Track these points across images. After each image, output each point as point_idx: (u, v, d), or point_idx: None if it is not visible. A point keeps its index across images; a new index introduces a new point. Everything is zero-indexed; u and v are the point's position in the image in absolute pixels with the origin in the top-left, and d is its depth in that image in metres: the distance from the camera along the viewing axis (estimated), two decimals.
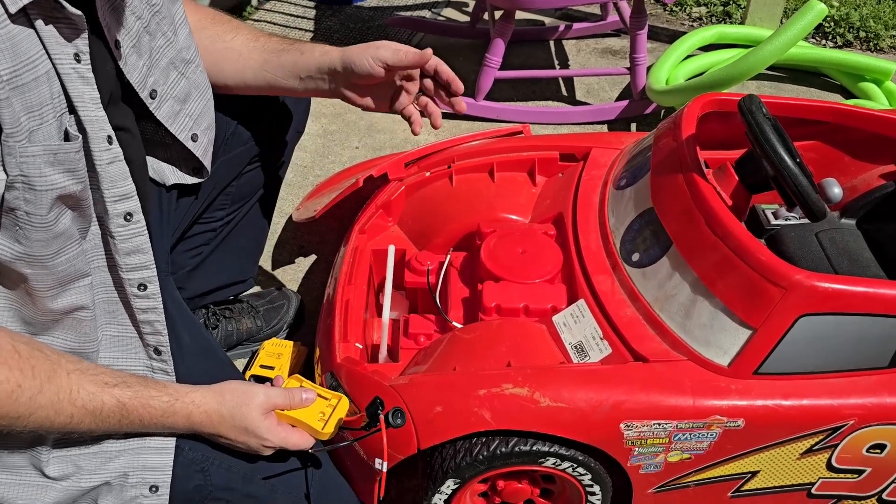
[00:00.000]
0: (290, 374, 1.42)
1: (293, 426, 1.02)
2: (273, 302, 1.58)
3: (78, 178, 0.84)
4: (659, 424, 1.05)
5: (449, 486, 1.11)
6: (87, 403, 0.87)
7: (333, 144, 2.14)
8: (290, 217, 1.85)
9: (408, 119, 1.24)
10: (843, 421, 1.05)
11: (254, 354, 1.49)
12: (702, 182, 1.16)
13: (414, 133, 1.24)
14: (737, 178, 1.21)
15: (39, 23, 0.77)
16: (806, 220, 1.44)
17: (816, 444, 1.08)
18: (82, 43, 0.83)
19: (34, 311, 0.90)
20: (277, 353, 1.46)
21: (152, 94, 1.02)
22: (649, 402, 1.05)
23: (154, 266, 0.97)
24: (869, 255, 1.40)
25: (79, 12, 0.80)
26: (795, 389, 1.06)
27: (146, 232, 0.95)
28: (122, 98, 0.98)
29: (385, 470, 1.04)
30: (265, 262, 1.73)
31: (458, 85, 1.21)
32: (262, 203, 1.42)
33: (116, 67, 0.95)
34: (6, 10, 0.73)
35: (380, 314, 1.36)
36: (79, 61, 0.82)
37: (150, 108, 1.03)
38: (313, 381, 1.15)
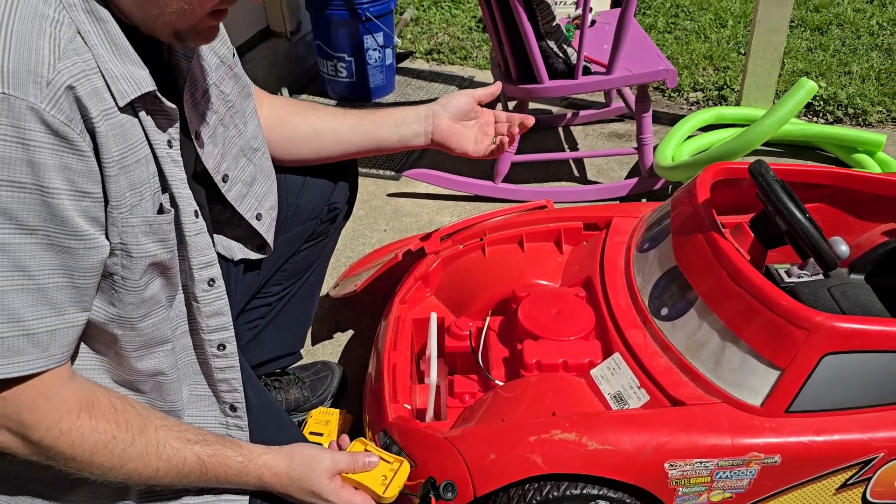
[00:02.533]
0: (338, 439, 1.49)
1: (356, 489, 1.08)
2: (318, 373, 1.66)
3: (168, 247, 0.95)
4: (700, 463, 1.12)
5: None
6: (171, 458, 0.95)
7: (363, 228, 2.27)
8: (327, 294, 1.95)
9: (493, 150, 1.38)
10: (873, 454, 1.12)
11: (302, 423, 1.56)
12: (721, 240, 1.27)
13: (502, 149, 1.37)
14: (752, 235, 1.32)
15: (142, 114, 0.89)
16: (818, 277, 1.56)
17: (850, 478, 1.14)
18: (174, 131, 0.95)
19: (123, 371, 0.99)
20: (325, 420, 1.53)
21: (224, 179, 1.14)
22: (690, 442, 1.12)
23: (232, 327, 1.07)
24: (880, 306, 1.49)
25: (174, 106, 0.93)
26: (826, 425, 1.13)
27: (226, 296, 1.05)
28: (197, 181, 1.10)
29: None
30: (306, 337, 1.82)
31: (529, 119, 1.38)
32: (312, 280, 1.52)
33: (195, 154, 1.07)
34: (116, 103, 0.85)
35: (422, 381, 1.44)
36: (171, 147, 0.95)
37: (223, 191, 1.15)
38: None
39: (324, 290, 1.99)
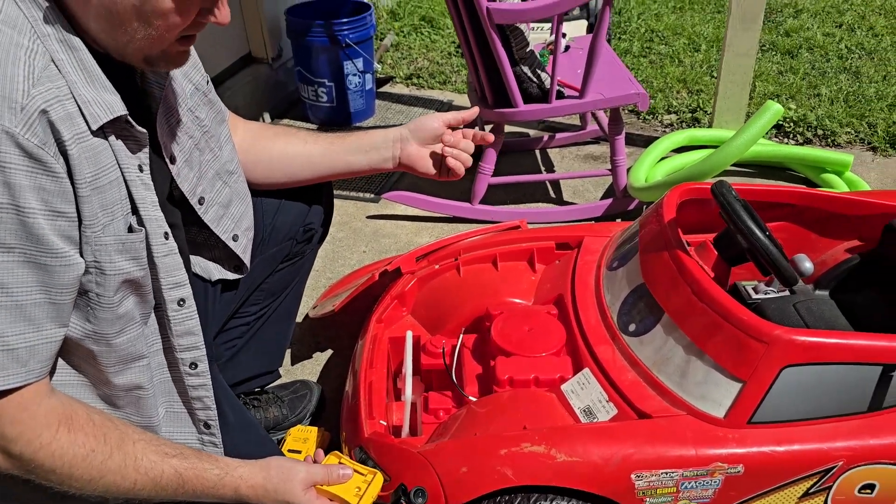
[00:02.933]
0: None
1: (331, 500, 1.11)
2: (296, 392, 1.68)
3: (140, 265, 0.98)
4: (666, 473, 1.15)
5: None
6: (149, 471, 0.97)
7: (343, 249, 2.30)
8: (307, 315, 1.98)
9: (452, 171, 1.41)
10: (833, 463, 1.15)
11: (281, 441, 1.58)
12: (686, 258, 1.31)
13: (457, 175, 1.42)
14: (716, 252, 1.37)
15: (112, 138, 0.93)
16: (784, 294, 1.60)
17: (811, 487, 1.17)
18: (144, 156, 0.98)
19: (101, 386, 1.01)
20: (304, 437, 1.55)
21: (200, 201, 1.18)
22: (655, 453, 1.16)
23: (204, 346, 1.09)
24: (844, 321, 1.54)
25: (143, 130, 0.96)
26: (787, 436, 1.17)
27: (196, 316, 1.08)
28: (173, 203, 1.13)
29: None
30: (285, 356, 1.84)
31: (489, 136, 1.44)
32: (289, 299, 1.55)
33: (171, 177, 1.10)
34: (89, 127, 0.88)
35: (398, 398, 1.47)
36: (141, 171, 0.98)
37: (199, 213, 1.18)
38: None
39: (303, 311, 2.02)
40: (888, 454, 1.15)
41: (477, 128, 2.62)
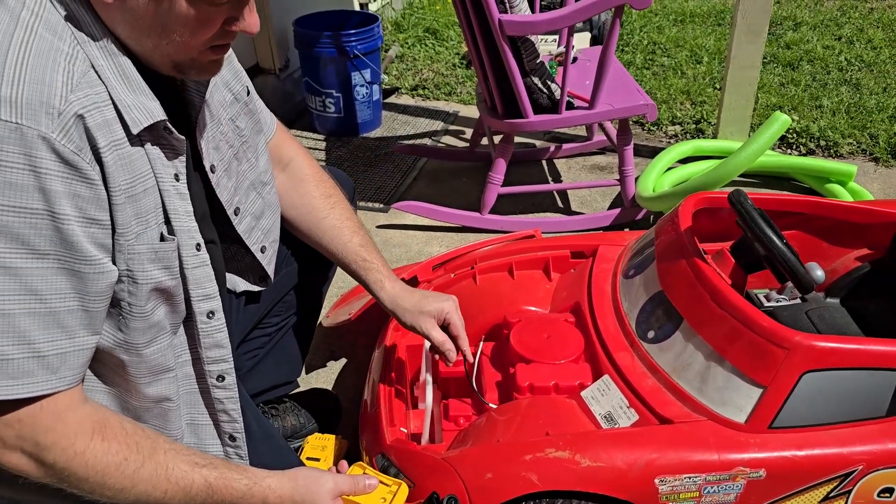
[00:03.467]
0: (335, 464, 1.52)
1: None
2: (313, 401, 1.69)
3: (173, 274, 0.98)
4: (689, 478, 1.16)
5: None
6: (179, 480, 0.97)
7: None
8: (320, 324, 1.99)
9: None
10: (852, 467, 1.17)
11: (299, 449, 1.58)
12: (703, 265, 1.33)
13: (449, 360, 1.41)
14: (733, 260, 1.38)
15: (149, 145, 0.93)
16: (796, 301, 1.62)
17: (832, 490, 1.19)
18: (181, 165, 0.99)
19: (130, 398, 1.01)
20: (322, 445, 1.56)
21: (236, 211, 1.18)
22: (679, 458, 1.17)
23: (231, 359, 1.10)
24: (855, 328, 1.56)
25: (182, 137, 0.97)
26: (807, 440, 1.18)
27: (225, 329, 1.09)
28: (210, 214, 1.13)
29: None
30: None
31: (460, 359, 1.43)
32: (308, 312, 1.56)
33: (207, 188, 1.11)
34: (127, 133, 0.89)
35: (416, 406, 1.48)
36: (177, 180, 0.98)
37: (234, 223, 1.18)
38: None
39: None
40: None
41: (485, 139, 2.65)
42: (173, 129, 0.95)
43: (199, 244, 1.02)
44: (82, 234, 0.85)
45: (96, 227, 0.87)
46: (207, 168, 1.08)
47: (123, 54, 0.89)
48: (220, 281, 1.15)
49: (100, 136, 0.85)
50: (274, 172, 1.29)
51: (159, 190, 0.96)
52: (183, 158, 0.99)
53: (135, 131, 0.89)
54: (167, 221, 0.98)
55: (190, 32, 0.88)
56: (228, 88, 1.14)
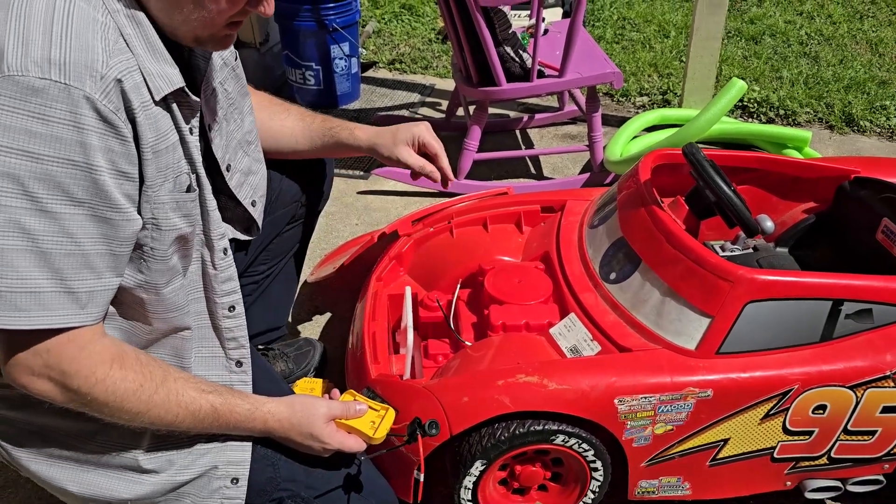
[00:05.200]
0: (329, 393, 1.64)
1: (349, 432, 1.23)
2: (300, 349, 1.81)
3: (191, 222, 1.08)
4: (645, 398, 1.30)
5: (477, 467, 1.33)
6: (188, 405, 1.08)
7: (335, 223, 2.42)
8: (305, 281, 2.10)
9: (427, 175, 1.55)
10: (789, 386, 1.31)
11: None
12: (660, 211, 1.46)
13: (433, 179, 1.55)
14: (687, 207, 1.51)
15: (174, 106, 1.03)
16: (748, 251, 1.76)
17: (772, 409, 1.33)
18: (195, 122, 1.09)
19: (141, 331, 1.12)
20: (310, 388, 1.68)
21: (227, 168, 1.28)
22: (636, 380, 1.30)
23: (240, 291, 1.21)
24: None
25: (197, 99, 1.07)
26: (750, 364, 1.32)
27: (234, 264, 1.20)
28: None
29: (422, 479, 1.26)
30: (288, 319, 1.96)
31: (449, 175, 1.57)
32: (294, 259, 1.67)
33: (205, 145, 1.21)
34: (152, 97, 0.99)
35: (397, 352, 1.60)
36: (192, 134, 1.08)
37: (226, 179, 1.28)
38: None
39: (302, 278, 2.14)
40: (838, 378, 1.31)
41: (461, 109, 2.75)
42: (189, 94, 1.05)
43: (211, 189, 1.13)
44: (113, 184, 0.94)
45: (125, 180, 0.96)
46: (206, 127, 1.18)
47: (149, 23, 0.98)
48: None
49: (133, 98, 0.94)
50: None
51: (184, 144, 1.06)
52: (198, 116, 1.09)
53: (157, 97, 0.99)
54: (193, 171, 1.08)
55: (218, 9, 0.98)
56: (219, 54, 1.23)
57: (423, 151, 1.54)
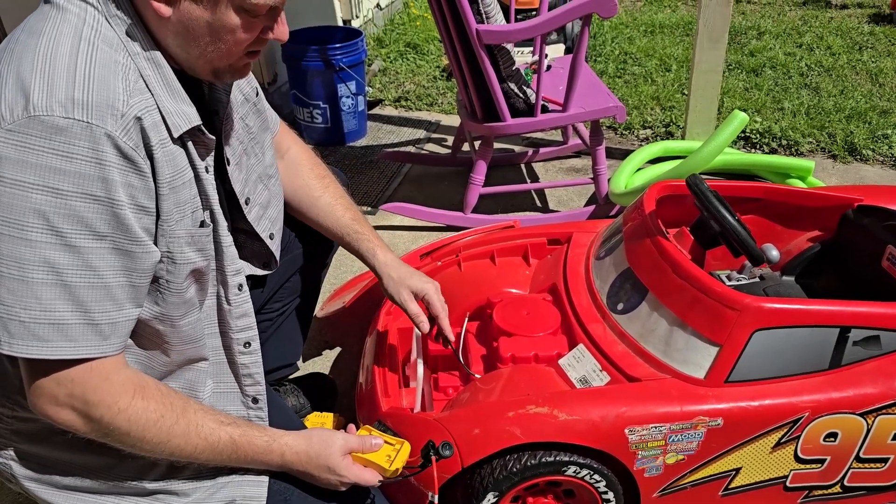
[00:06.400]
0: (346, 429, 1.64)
1: (365, 466, 1.24)
2: (312, 384, 1.82)
3: (205, 256, 1.11)
4: (655, 427, 1.30)
5: (489, 499, 1.33)
6: (208, 437, 1.09)
7: (345, 257, 2.41)
8: (315, 316, 2.11)
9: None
10: (799, 414, 1.31)
11: None
12: (665, 242, 1.47)
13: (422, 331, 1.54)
14: (692, 237, 1.53)
15: (189, 144, 1.06)
16: (755, 280, 1.77)
17: (783, 437, 1.33)
18: (210, 159, 1.12)
19: (158, 363, 1.13)
20: (321, 422, 1.68)
21: (247, 202, 1.31)
22: (646, 410, 1.31)
23: (256, 327, 1.23)
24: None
25: (213, 137, 1.10)
26: (759, 392, 1.32)
27: (250, 300, 1.21)
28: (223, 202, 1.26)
29: (437, 502, 1.26)
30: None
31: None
32: (309, 297, 1.69)
33: (224, 179, 1.24)
34: (170, 135, 1.02)
35: (407, 386, 1.61)
36: (208, 172, 1.11)
37: (245, 212, 1.31)
38: None
39: None
40: (848, 405, 1.31)
41: (466, 144, 2.79)
42: (205, 132, 1.08)
43: (227, 226, 1.15)
44: (134, 218, 0.97)
45: (143, 214, 0.99)
46: (225, 161, 1.21)
47: (166, 64, 1.02)
48: None
49: (152, 136, 0.98)
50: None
51: (199, 181, 1.08)
52: (213, 154, 1.12)
53: (176, 135, 1.02)
54: (206, 208, 1.10)
55: (234, 40, 1.01)
56: (239, 90, 1.26)
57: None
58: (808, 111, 3.29)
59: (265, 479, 1.19)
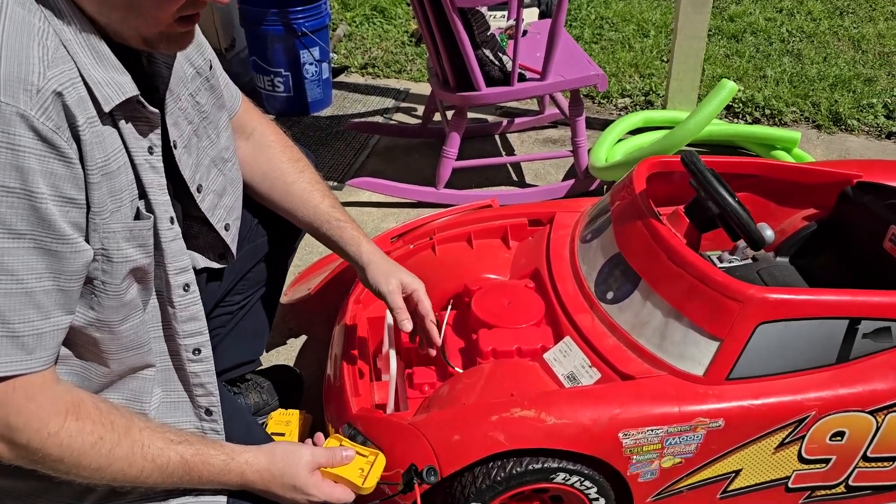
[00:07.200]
0: (300, 439, 1.51)
1: (336, 482, 1.11)
2: (275, 378, 1.68)
3: (147, 252, 0.96)
4: (651, 431, 1.19)
5: None
6: (155, 458, 0.95)
7: (309, 237, 2.28)
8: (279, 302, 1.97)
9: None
10: (805, 413, 1.21)
11: (263, 424, 1.57)
12: (659, 225, 1.36)
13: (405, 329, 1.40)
14: (687, 220, 1.41)
15: (122, 122, 0.91)
16: (747, 262, 1.66)
17: (787, 437, 1.23)
18: (155, 137, 0.96)
19: (97, 374, 0.99)
20: (286, 420, 1.55)
21: (199, 189, 1.15)
22: (641, 412, 1.20)
23: (207, 332, 1.08)
24: (803, 284, 1.61)
25: (155, 110, 0.94)
26: (763, 390, 1.22)
27: (200, 301, 1.06)
28: (172, 190, 1.10)
29: None
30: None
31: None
32: (271, 289, 1.54)
33: (169, 165, 1.08)
34: (99, 111, 0.86)
35: (379, 378, 1.48)
36: (151, 153, 0.96)
37: (197, 201, 1.15)
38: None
39: None
40: (856, 402, 1.22)
41: (438, 114, 2.64)
42: (146, 104, 0.92)
43: (172, 217, 1.00)
44: (58, 213, 0.82)
45: (71, 206, 0.84)
46: (171, 144, 1.05)
47: (92, 29, 0.86)
48: None
49: (78, 114, 0.83)
50: (238, 143, 1.26)
51: (133, 165, 0.93)
52: (158, 132, 0.96)
53: (107, 109, 0.87)
54: (143, 196, 0.95)
55: (156, 4, 0.85)
56: (190, 62, 1.10)
57: (413, 308, 1.41)
58: (792, 79, 3.19)
59: (222, 499, 1.06)
